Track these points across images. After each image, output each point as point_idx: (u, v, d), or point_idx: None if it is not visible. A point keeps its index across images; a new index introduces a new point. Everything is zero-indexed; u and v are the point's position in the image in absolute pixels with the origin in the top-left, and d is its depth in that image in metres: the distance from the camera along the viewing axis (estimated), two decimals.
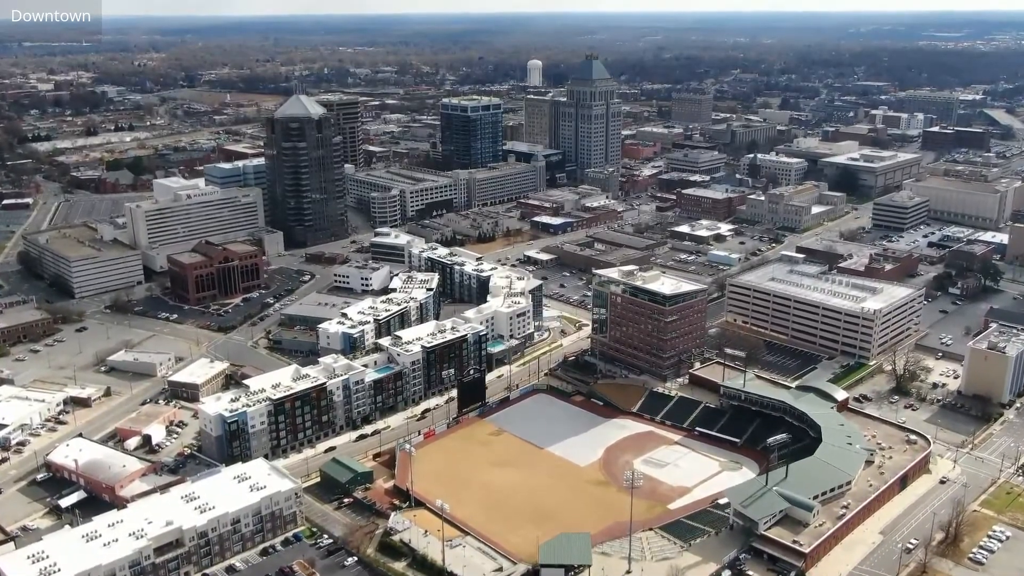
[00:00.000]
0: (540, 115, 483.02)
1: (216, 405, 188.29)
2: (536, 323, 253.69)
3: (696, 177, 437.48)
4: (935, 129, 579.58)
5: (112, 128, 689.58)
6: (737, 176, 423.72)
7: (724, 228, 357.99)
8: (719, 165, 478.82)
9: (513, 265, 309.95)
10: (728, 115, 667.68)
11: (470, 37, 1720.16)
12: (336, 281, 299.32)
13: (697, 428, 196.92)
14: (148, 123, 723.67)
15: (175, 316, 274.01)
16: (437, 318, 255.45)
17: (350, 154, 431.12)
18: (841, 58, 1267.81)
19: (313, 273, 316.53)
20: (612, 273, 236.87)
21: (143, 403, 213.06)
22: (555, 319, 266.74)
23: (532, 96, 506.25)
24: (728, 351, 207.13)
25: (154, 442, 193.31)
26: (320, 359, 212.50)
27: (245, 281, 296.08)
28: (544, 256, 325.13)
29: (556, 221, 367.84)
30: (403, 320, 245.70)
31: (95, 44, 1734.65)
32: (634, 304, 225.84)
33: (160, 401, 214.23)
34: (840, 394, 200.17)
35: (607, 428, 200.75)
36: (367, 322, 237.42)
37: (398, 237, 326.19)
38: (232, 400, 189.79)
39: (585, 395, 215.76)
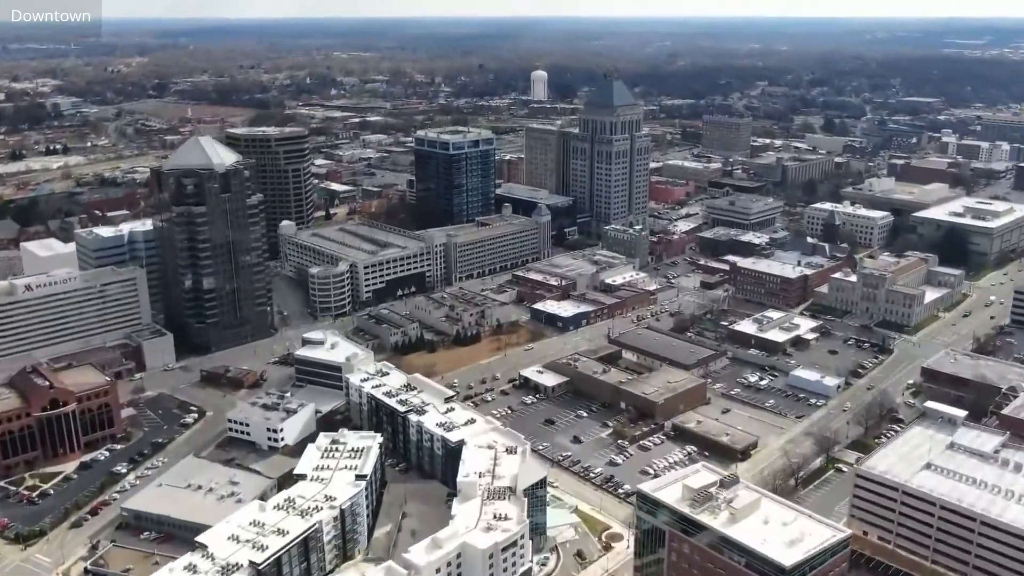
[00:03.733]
0: (545, 149, 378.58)
1: None
2: (536, 547, 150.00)
3: (749, 236, 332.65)
4: None
5: (44, 150, 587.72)
6: (808, 238, 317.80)
7: (803, 325, 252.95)
8: (774, 215, 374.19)
9: (499, 421, 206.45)
10: (767, 141, 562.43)
11: (472, 42, 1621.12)
12: (231, 430, 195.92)
13: None
14: (89, 143, 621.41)
15: None
16: (370, 537, 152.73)
17: (294, 204, 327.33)
18: (868, 68, 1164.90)
19: (203, 408, 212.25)
20: (671, 495, 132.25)
21: None
22: (565, 524, 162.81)
23: (535, 126, 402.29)
24: None
25: None
26: None
27: (89, 432, 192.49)
28: (549, 379, 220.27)
29: (566, 312, 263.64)
30: (307, 554, 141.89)
31: (81, 47, 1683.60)
32: (720, 565, 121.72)
33: None
34: None
35: None
36: (238, 568, 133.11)
37: (335, 347, 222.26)
38: None
39: None
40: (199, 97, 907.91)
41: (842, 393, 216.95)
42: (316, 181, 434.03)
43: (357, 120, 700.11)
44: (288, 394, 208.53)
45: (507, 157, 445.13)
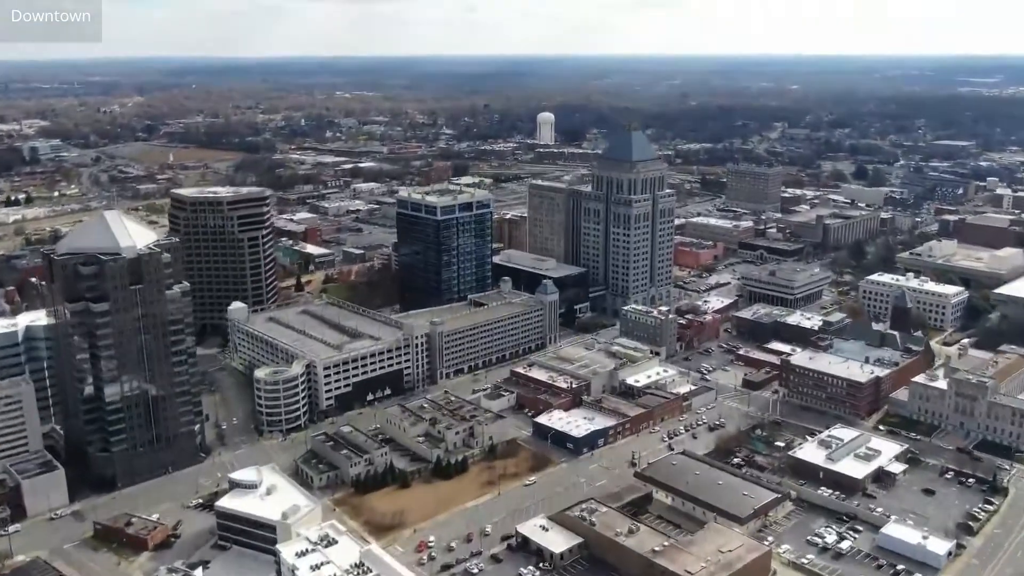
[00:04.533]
0: (551, 209, 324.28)
1: None
2: None
3: (798, 318, 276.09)
4: None
5: (5, 200, 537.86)
6: (874, 326, 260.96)
7: (884, 452, 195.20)
8: (821, 287, 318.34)
9: None
10: (797, 191, 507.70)
11: (479, 81, 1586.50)
12: None
13: None
14: (57, 193, 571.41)
15: None
16: None
17: (251, 279, 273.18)
18: (889, 108, 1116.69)
19: None
20: None
21: None
22: None
23: (540, 183, 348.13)
24: None
25: None
26: None
27: None
28: (557, 540, 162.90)
29: (579, 428, 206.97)
30: None
31: (83, 86, 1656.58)
32: None
33: None
34: None
35: None
36: None
37: (272, 492, 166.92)
38: None
39: None
40: (189, 140, 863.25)
41: (954, 562, 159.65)
42: (289, 243, 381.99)
43: (350, 166, 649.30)
44: (201, 570, 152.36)
45: (508, 216, 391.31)
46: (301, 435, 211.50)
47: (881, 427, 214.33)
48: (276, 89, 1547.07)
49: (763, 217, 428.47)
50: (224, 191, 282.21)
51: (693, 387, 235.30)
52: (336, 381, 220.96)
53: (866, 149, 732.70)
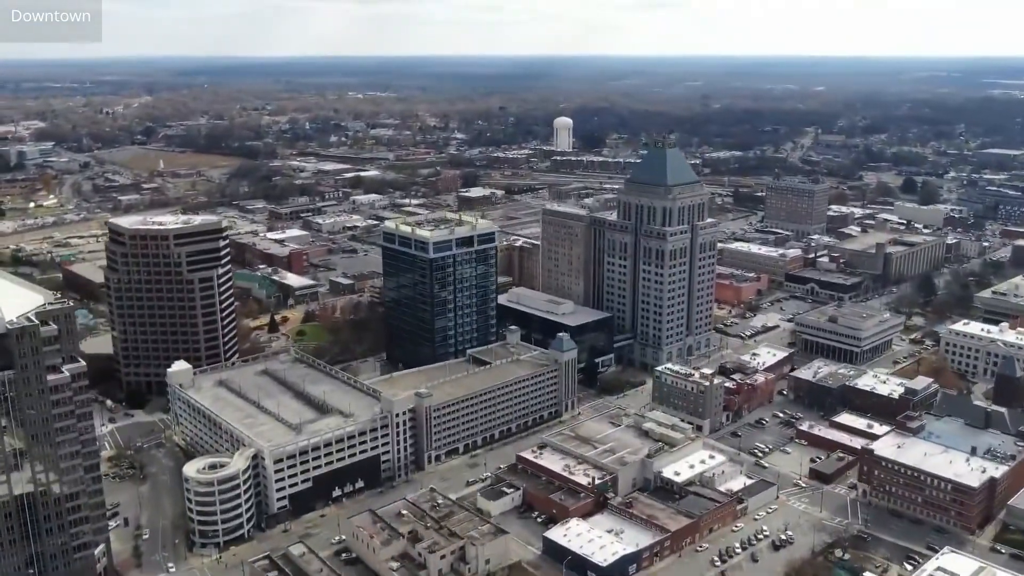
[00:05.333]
0: (569, 239, 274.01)
1: None
2: None
3: (871, 380, 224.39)
4: None
5: None
6: (975, 400, 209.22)
7: None
8: (891, 335, 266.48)
9: None
10: (842, 209, 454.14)
11: (496, 82, 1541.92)
12: None
13: None
14: (33, 204, 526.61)
15: None
16: None
17: (204, 330, 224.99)
18: (922, 111, 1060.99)
19: None
20: None
21: None
22: None
23: (556, 208, 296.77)
24: None
25: None
26: None
27: None
28: None
29: (603, 553, 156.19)
30: None
31: (93, 84, 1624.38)
32: None
33: None
34: None
35: None
36: None
37: None
38: None
39: None
40: (188, 143, 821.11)
41: None
42: (268, 271, 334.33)
43: (351, 175, 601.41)
44: None
45: (519, 242, 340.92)
46: (245, 548, 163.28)
47: (1000, 548, 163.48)
48: (287, 89, 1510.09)
49: (810, 241, 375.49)
50: (171, 220, 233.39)
51: (748, 480, 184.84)
52: (292, 476, 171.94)
53: (910, 158, 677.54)
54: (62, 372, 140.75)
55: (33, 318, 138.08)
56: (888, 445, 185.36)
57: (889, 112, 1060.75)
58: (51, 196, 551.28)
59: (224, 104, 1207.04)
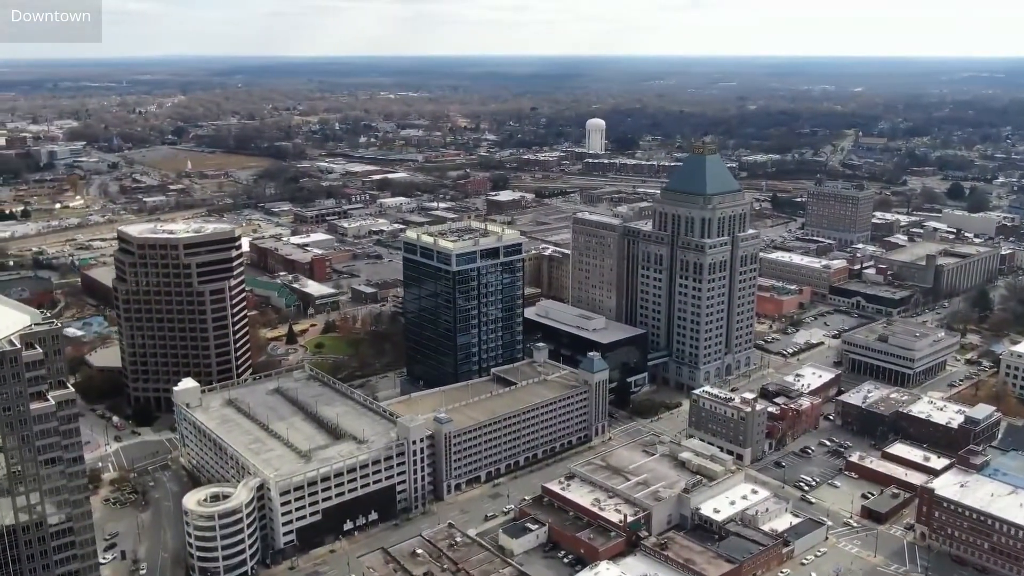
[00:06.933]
0: (601, 251, 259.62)
1: None
2: None
3: (926, 407, 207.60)
4: None
5: (3, 213, 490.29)
6: None
7: None
8: (946, 356, 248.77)
9: None
10: (886, 216, 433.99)
11: (529, 82, 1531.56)
12: None
13: None
14: (59, 205, 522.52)
15: None
16: None
17: (215, 344, 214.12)
18: (965, 113, 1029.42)
19: None
20: None
21: None
22: None
23: (587, 216, 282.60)
24: None
25: None
26: None
27: None
28: None
29: None
30: None
31: (130, 83, 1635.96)
32: None
33: None
34: None
35: None
36: None
37: None
38: None
39: None
40: (217, 144, 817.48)
41: None
42: (288, 278, 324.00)
43: (379, 177, 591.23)
44: None
45: (548, 251, 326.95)
46: None
47: None
48: (320, 89, 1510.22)
49: (855, 251, 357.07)
50: (182, 228, 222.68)
51: (794, 519, 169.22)
52: (300, 509, 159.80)
53: (955, 162, 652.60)
54: (47, 400, 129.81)
55: (16, 341, 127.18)
56: (950, 483, 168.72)
57: (931, 114, 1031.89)
58: (77, 197, 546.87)
59: (256, 104, 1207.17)
